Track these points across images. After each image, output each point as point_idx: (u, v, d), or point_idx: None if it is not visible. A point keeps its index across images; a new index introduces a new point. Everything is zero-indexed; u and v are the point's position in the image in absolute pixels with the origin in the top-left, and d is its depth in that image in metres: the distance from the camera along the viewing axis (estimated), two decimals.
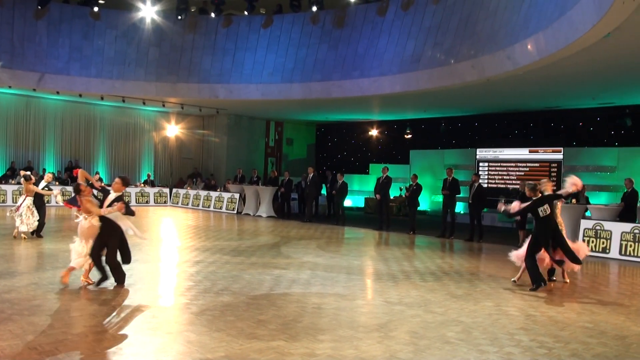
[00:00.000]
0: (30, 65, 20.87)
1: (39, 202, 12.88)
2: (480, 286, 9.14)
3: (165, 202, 24.93)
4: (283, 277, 9.21)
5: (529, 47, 13.85)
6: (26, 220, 12.42)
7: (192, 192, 24.65)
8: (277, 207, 21.94)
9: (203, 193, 24.21)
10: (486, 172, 23.26)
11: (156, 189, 25.10)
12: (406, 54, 19.10)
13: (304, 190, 21.17)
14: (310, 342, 5.81)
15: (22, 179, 12.86)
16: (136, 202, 24.02)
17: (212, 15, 21.91)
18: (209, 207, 23.51)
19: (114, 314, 6.62)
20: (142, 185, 25.24)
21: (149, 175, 26.26)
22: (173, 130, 27.01)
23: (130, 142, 26.93)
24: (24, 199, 12.61)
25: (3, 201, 20.76)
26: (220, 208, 23.03)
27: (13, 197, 20.55)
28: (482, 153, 23.63)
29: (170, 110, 26.32)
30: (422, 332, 6.30)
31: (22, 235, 12.49)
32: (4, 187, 21.19)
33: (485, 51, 16.06)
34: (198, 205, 23.91)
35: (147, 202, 24.43)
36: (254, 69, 22.21)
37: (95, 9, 21.07)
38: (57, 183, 22.47)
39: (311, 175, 20.32)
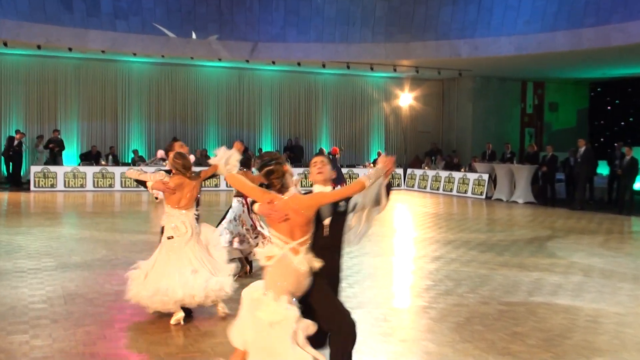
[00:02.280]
0: (241, 34, 22.68)
1: None
2: None
3: (398, 185, 25.56)
4: (545, 281, 8.94)
5: None
6: None
7: (430, 173, 24.90)
8: (538, 191, 21.22)
9: (444, 174, 24.31)
10: None
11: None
12: None
13: (572, 168, 20.21)
14: None
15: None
16: None
17: None
18: (450, 190, 23.55)
19: None
20: (372, 165, 26.10)
21: (379, 153, 26.98)
22: (407, 99, 27.47)
23: (357, 114, 28.05)
24: None
25: (216, 185, 22.87)
26: (465, 192, 22.93)
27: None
28: None
29: (403, 76, 26.78)
30: None
31: None
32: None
33: None
34: (438, 189, 24.09)
35: None
36: (506, 18, 21.60)
37: None
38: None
39: (583, 149, 19.30)
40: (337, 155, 20.95)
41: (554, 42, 20.78)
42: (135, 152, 24.12)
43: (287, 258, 4.32)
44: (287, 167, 4.63)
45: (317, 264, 4.35)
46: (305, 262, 4.32)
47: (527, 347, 5.97)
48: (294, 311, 4.23)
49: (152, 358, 5.46)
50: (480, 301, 7.68)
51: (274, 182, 4.54)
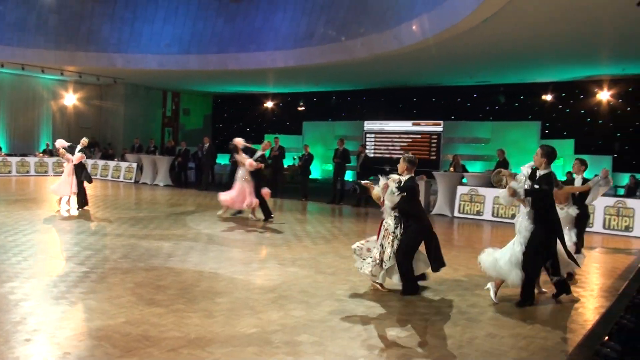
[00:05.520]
0: None
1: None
2: None
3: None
4: (180, 245, 9.17)
5: (414, 28, 14.28)
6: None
7: (90, 162, 23.38)
8: (174, 176, 21.58)
9: (101, 162, 23.26)
10: (373, 143, 24.04)
11: (55, 159, 23.71)
12: (300, 29, 19.18)
13: (200, 159, 20.95)
14: (208, 304, 5.92)
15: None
16: (35, 172, 22.72)
17: None
18: (106, 176, 22.65)
19: (17, 284, 6.37)
20: (41, 155, 23.85)
21: (47, 145, 24.81)
22: (71, 99, 25.66)
23: (30, 110, 25.29)
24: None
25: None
26: (118, 177, 22.28)
27: None
28: (369, 125, 24.37)
29: (69, 79, 24.91)
30: (313, 291, 6.59)
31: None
32: None
33: (374, 30, 16.42)
34: (96, 175, 22.89)
35: (46, 171, 23.09)
36: (152, 40, 21.43)
37: None
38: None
39: (207, 145, 20.11)
40: None
41: (187, 62, 21.26)
42: None
43: None
44: None
45: None
46: None
47: (168, 296, 6.16)
48: None
49: None
50: (131, 264, 7.65)
51: None
